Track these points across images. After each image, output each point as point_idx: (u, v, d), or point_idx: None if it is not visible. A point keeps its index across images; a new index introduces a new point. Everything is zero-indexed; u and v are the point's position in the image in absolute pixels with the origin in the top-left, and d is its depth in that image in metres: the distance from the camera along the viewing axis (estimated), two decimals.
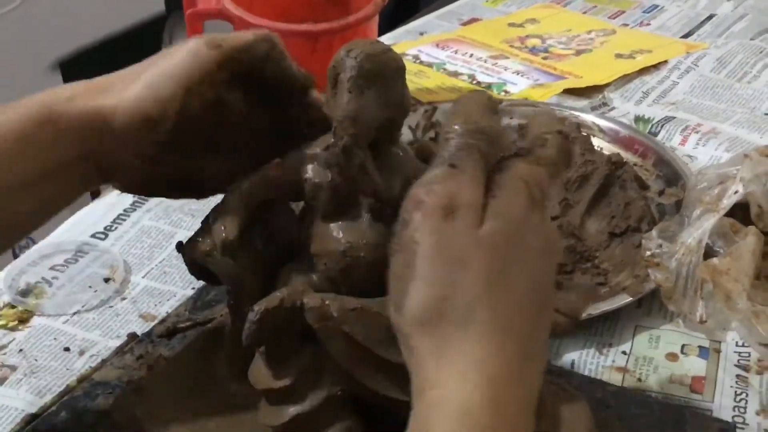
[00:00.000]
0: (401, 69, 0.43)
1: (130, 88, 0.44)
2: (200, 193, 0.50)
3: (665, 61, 0.95)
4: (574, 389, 0.48)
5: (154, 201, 0.75)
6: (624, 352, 0.56)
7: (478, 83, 0.92)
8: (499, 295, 0.34)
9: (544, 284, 0.37)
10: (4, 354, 0.58)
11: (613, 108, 0.87)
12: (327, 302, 0.42)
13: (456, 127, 0.38)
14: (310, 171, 0.45)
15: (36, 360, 0.58)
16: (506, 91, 0.90)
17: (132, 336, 0.58)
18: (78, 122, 0.44)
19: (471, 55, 0.98)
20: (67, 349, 0.58)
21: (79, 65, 1.30)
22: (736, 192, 0.58)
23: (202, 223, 0.48)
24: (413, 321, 0.35)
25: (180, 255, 0.47)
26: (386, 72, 0.42)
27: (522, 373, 0.35)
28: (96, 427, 0.49)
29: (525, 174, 0.38)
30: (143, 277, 0.66)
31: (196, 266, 0.47)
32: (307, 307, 0.42)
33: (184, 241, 0.47)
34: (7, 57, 1.25)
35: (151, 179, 0.47)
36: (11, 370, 0.57)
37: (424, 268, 0.34)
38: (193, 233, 0.47)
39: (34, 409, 0.52)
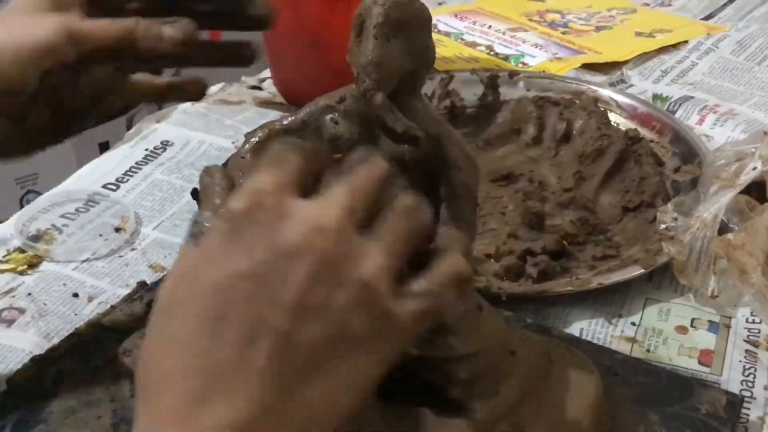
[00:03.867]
0: (428, 20, 0.42)
1: None
2: (82, 126, 0.49)
3: (685, 42, 0.94)
4: (583, 354, 0.48)
5: (166, 155, 0.75)
6: (633, 323, 0.56)
7: (496, 54, 0.91)
8: None
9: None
10: (13, 297, 0.58)
11: (631, 85, 0.86)
12: None
13: None
14: (327, 122, 0.45)
15: (44, 304, 0.58)
16: (524, 63, 0.89)
17: (141, 284, 0.58)
18: None
19: (489, 27, 0.97)
20: (75, 295, 0.58)
21: None
22: (754, 168, 0.57)
23: None
24: None
25: (190, 207, 0.47)
26: (413, 21, 0.41)
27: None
28: (103, 369, 0.49)
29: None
30: (154, 229, 0.66)
31: None
32: None
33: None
34: None
35: (25, 137, 0.46)
36: (20, 313, 0.57)
37: None
38: None
39: (41, 351, 0.52)
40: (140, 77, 0.50)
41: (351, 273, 0.32)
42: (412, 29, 0.42)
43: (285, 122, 0.46)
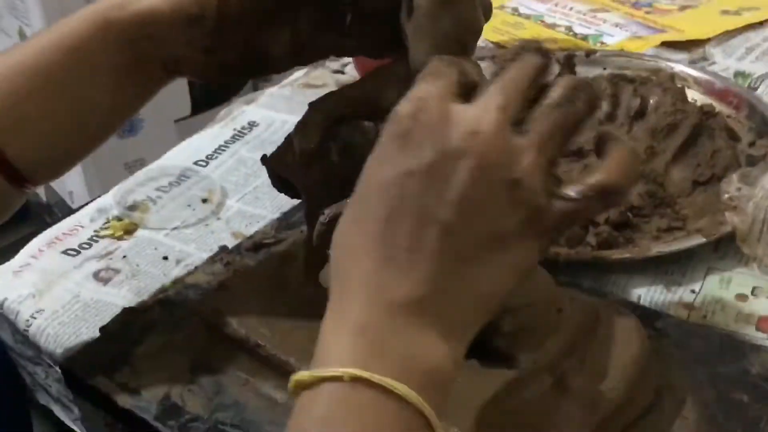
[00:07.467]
0: None
1: None
2: (275, 68, 0.51)
3: None
4: (632, 314, 0.49)
5: (252, 135, 0.80)
6: (693, 291, 0.57)
7: (575, 34, 0.92)
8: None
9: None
10: (110, 259, 0.64)
11: (713, 63, 0.85)
12: None
13: None
14: (390, 93, 0.48)
15: (137, 265, 0.63)
16: (602, 43, 0.89)
17: (223, 248, 0.63)
18: (128, 26, 0.46)
19: (571, 8, 0.97)
20: (165, 258, 0.64)
21: None
22: None
23: (285, 138, 0.51)
24: None
25: (270, 182, 0.51)
26: None
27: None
28: (184, 321, 0.54)
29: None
30: (237, 201, 0.71)
31: (277, 177, 0.51)
32: None
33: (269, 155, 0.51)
34: None
35: (219, 65, 0.48)
36: (115, 273, 0.63)
37: None
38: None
39: (132, 305, 0.58)
40: None
41: (507, 172, 0.36)
42: (458, 2, 0.44)
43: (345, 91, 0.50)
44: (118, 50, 0.47)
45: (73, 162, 0.51)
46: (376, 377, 0.34)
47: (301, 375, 0.36)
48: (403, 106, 0.37)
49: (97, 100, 0.48)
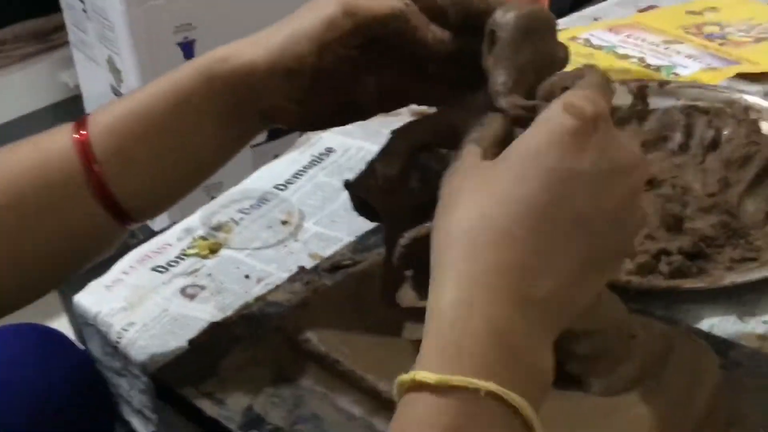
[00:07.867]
0: (553, 25, 0.47)
1: (271, 41, 0.49)
2: (360, 116, 0.54)
3: None
4: (705, 343, 0.50)
5: (329, 160, 0.82)
6: (765, 322, 0.57)
7: (648, 65, 0.92)
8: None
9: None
10: (196, 276, 0.68)
11: None
12: None
13: None
14: (470, 123, 0.50)
15: (221, 283, 0.66)
16: (675, 74, 0.90)
17: (302, 268, 0.66)
18: (230, 79, 0.49)
19: (643, 40, 0.98)
20: (247, 277, 0.67)
21: None
22: None
23: (367, 164, 0.54)
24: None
25: (346, 206, 0.53)
26: (541, 28, 0.46)
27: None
28: (267, 335, 0.57)
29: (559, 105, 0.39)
30: (314, 224, 0.73)
31: (359, 201, 0.54)
32: None
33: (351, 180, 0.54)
34: None
35: (311, 115, 0.52)
36: (201, 289, 0.66)
37: None
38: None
39: (217, 320, 0.61)
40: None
41: (641, 198, 0.40)
42: (540, 34, 0.46)
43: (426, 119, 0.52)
44: (220, 100, 0.50)
45: (174, 201, 0.54)
46: (511, 396, 0.34)
47: (426, 376, 0.34)
48: (587, 106, 0.38)
49: (200, 146, 0.52)
